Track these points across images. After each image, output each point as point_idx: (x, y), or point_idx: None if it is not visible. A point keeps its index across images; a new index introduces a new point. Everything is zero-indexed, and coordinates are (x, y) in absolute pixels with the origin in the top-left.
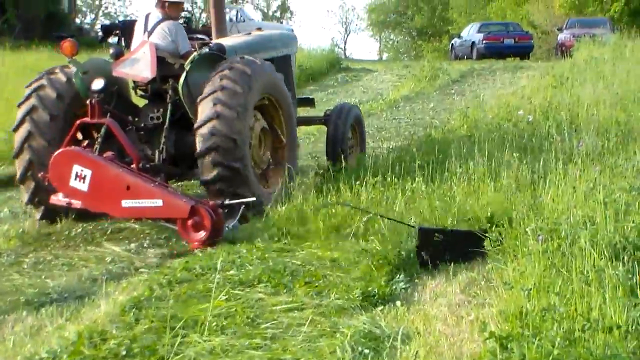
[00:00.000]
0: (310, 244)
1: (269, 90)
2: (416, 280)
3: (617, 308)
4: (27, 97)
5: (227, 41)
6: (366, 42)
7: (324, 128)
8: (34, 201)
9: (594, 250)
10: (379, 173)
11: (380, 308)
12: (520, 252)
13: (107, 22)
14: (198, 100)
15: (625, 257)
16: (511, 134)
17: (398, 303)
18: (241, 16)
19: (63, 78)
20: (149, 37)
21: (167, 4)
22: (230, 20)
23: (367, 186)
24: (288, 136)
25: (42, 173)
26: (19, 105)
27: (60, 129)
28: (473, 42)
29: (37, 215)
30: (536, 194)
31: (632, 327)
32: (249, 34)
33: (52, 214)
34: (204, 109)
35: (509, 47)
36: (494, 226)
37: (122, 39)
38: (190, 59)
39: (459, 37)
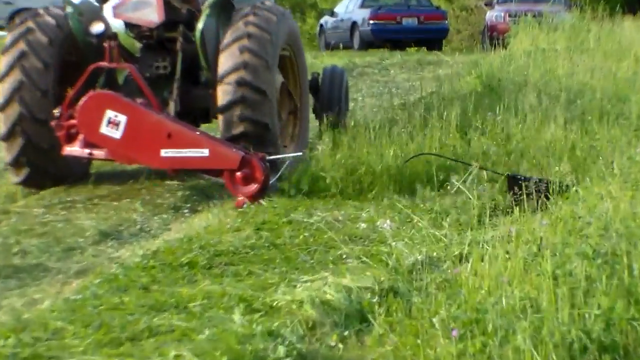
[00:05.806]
0: None
1: (290, 40)
2: None
3: None
4: (14, 42)
5: None
6: None
7: None
8: (19, 161)
9: (537, 353)
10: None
11: None
12: (423, 357)
13: None
14: (220, 48)
15: None
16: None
17: None
18: None
19: (52, 21)
20: None
21: None
22: None
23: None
24: (302, 94)
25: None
26: (4, 52)
27: (54, 79)
28: (354, 23)
29: (17, 179)
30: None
31: None
32: None
33: (35, 179)
34: (228, 58)
35: (410, 30)
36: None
37: None
38: (207, 3)
39: (332, 14)
